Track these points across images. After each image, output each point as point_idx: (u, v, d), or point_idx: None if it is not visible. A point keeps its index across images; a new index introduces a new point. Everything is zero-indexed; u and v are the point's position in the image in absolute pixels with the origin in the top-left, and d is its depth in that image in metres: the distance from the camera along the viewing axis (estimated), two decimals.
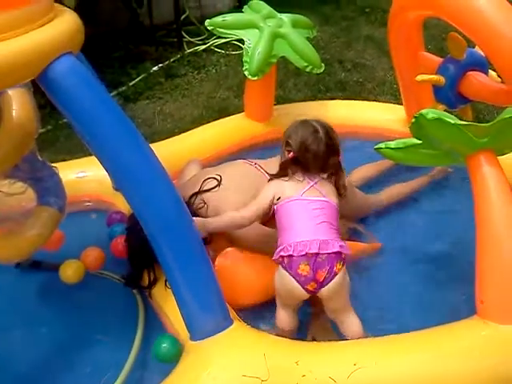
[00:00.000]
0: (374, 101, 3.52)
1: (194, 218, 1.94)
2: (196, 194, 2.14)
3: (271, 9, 2.87)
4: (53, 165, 2.06)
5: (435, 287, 2.17)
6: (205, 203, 2.11)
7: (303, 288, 1.81)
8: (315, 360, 1.70)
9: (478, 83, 2.33)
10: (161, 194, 1.67)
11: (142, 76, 4.32)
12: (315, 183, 1.92)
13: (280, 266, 1.85)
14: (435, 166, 2.35)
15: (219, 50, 4.69)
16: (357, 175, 2.73)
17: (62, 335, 2.07)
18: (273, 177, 1.98)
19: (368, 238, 2.42)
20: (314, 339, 1.97)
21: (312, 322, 2.04)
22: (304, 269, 1.79)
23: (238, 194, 2.09)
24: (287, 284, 1.83)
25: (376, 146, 1.96)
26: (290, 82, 4.09)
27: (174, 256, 1.72)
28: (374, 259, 2.32)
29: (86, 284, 2.25)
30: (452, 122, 1.62)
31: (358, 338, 1.85)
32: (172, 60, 4.55)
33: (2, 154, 1.71)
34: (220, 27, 2.78)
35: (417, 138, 1.77)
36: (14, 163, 1.77)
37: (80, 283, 2.25)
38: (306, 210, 1.86)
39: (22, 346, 2.03)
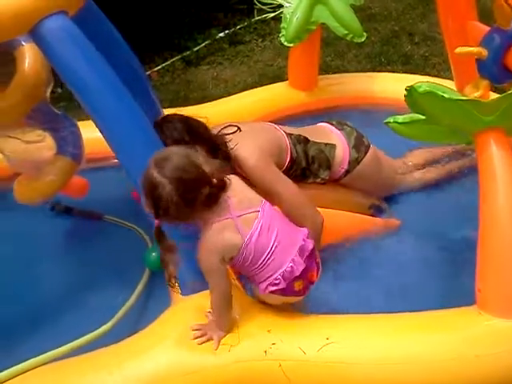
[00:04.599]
0: (435, 76, 3.30)
1: (204, 325, 1.70)
2: None
3: None
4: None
5: (443, 274, 2.07)
6: None
7: (304, 295, 1.77)
8: (288, 330, 1.69)
9: None
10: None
11: (207, 42, 4.39)
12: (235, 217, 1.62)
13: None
14: (445, 143, 2.19)
15: None
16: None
17: (72, 275, 2.26)
18: None
19: (389, 216, 2.34)
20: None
21: None
22: (300, 284, 1.72)
23: (251, 141, 2.04)
24: (289, 302, 1.78)
25: (385, 120, 1.87)
26: (351, 53, 3.96)
27: None
28: (389, 237, 2.23)
29: (106, 233, 2.42)
30: (446, 96, 1.49)
31: None
32: (239, 27, 4.57)
33: (14, 102, 1.85)
34: None
35: (417, 113, 1.66)
36: (24, 112, 1.92)
37: (102, 232, 2.43)
38: (266, 239, 1.64)
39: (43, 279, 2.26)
